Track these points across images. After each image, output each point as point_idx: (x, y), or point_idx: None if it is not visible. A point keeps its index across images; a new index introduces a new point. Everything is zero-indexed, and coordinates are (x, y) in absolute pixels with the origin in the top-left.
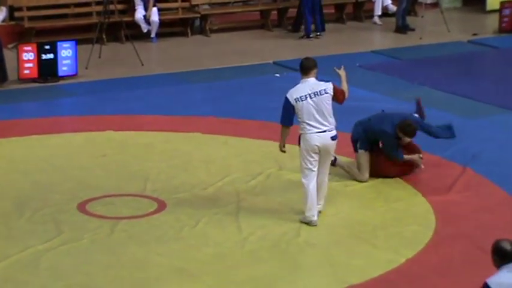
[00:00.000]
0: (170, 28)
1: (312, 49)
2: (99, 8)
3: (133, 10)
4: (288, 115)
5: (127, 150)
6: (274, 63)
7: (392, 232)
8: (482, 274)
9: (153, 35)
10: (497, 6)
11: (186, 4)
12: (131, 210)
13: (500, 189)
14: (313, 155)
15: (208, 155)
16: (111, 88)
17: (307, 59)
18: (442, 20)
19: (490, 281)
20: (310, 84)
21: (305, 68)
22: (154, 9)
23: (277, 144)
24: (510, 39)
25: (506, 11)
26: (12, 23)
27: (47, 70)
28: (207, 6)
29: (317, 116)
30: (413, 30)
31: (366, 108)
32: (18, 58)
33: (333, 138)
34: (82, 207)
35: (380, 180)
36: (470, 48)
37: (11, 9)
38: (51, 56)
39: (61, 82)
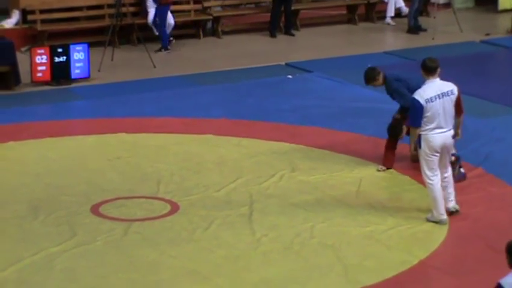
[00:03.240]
0: (182, 30)
1: (324, 50)
2: (111, 10)
3: (145, 12)
4: (419, 116)
5: (139, 153)
6: (287, 64)
7: (405, 233)
8: (496, 274)
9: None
10: (509, 6)
11: (199, 6)
12: (144, 212)
13: None
14: (436, 154)
15: (221, 157)
16: (123, 91)
17: (430, 59)
18: (454, 20)
19: (504, 281)
20: (437, 84)
21: (430, 68)
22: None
23: (291, 145)
24: None
25: None
26: (25, 26)
27: (60, 73)
28: (219, 8)
29: (442, 117)
30: (425, 30)
31: (377, 109)
32: (31, 61)
33: (453, 136)
34: (95, 210)
35: (392, 180)
36: (482, 49)
37: (24, 13)
38: (63, 58)
39: (74, 85)
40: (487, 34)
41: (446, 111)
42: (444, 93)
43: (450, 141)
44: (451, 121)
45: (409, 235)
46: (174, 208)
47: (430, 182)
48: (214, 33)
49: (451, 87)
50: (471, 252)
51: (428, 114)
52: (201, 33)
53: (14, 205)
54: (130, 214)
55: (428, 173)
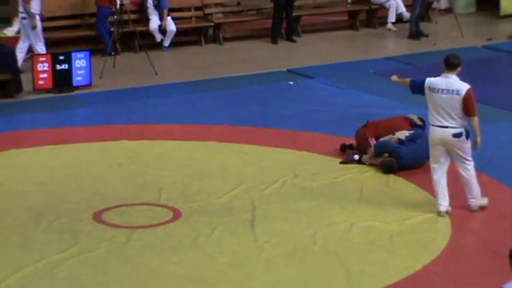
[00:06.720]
0: (184, 37)
1: (325, 56)
2: (113, 18)
3: (146, 20)
4: (417, 87)
5: (141, 160)
6: (288, 70)
7: (409, 239)
8: (499, 280)
9: (166, 44)
10: (511, 10)
11: (200, 13)
12: (146, 219)
13: None
14: (436, 147)
15: (223, 164)
16: (125, 98)
17: (453, 55)
18: (456, 25)
19: (507, 286)
20: (448, 80)
21: (450, 64)
22: (170, 18)
23: (293, 152)
24: None
25: None
26: None
27: (62, 80)
28: (220, 15)
29: (442, 112)
30: (427, 36)
31: (379, 115)
32: (33, 69)
33: (455, 135)
34: (97, 217)
35: (395, 186)
36: (484, 54)
37: None
38: (65, 66)
39: (75, 92)
40: (489, 39)
41: (447, 108)
42: (450, 90)
43: (450, 139)
44: (453, 120)
45: (412, 241)
46: (177, 215)
47: (432, 173)
48: (215, 39)
49: (459, 87)
50: (474, 258)
51: (429, 103)
52: (202, 40)
53: (16, 213)
54: (133, 221)
55: (431, 164)
